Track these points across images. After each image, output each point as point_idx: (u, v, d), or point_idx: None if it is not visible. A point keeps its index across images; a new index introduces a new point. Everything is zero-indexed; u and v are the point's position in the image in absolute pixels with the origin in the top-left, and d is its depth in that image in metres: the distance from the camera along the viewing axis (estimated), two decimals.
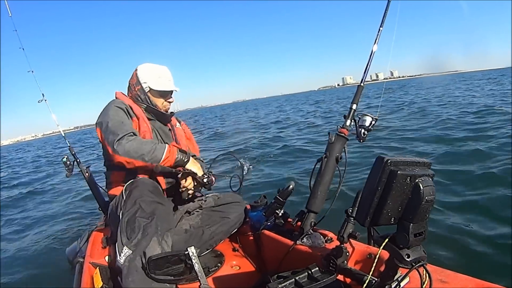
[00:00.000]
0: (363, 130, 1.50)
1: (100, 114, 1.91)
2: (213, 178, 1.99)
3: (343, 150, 1.45)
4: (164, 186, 1.97)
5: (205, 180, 1.91)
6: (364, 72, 1.64)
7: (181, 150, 1.91)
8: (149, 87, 2.06)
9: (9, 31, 3.01)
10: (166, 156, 1.80)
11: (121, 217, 1.62)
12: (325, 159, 1.41)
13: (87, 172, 2.67)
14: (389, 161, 0.98)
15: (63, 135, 3.09)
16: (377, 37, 1.64)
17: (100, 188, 2.58)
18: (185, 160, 1.88)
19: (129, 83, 2.11)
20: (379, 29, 1.65)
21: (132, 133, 1.80)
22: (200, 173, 1.92)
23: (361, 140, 1.52)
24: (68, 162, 2.66)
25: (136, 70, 2.09)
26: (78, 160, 2.74)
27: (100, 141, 1.90)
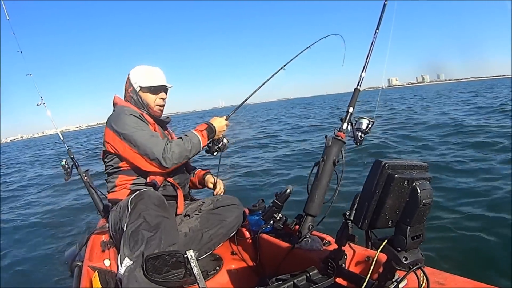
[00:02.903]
0: (360, 133, 1.51)
1: (118, 122, 1.88)
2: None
3: (341, 153, 1.45)
4: (177, 185, 2.00)
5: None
6: (360, 76, 1.65)
7: (206, 129, 2.01)
8: (139, 86, 2.05)
9: (7, 34, 3.01)
10: (202, 143, 1.96)
11: (125, 229, 1.61)
12: (322, 162, 1.41)
13: (85, 175, 2.66)
14: (386, 164, 0.99)
15: (61, 138, 3.08)
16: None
17: (99, 192, 2.58)
18: (213, 132, 2.04)
19: (124, 88, 2.11)
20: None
21: (168, 140, 1.86)
22: (222, 127, 2.11)
23: (358, 143, 1.52)
24: (66, 166, 2.65)
25: (129, 73, 2.09)
26: (76, 163, 2.74)
27: (113, 148, 1.91)
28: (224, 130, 2.12)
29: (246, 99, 2.39)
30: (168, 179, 1.97)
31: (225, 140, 2.20)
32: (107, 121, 1.97)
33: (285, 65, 2.41)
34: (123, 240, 1.59)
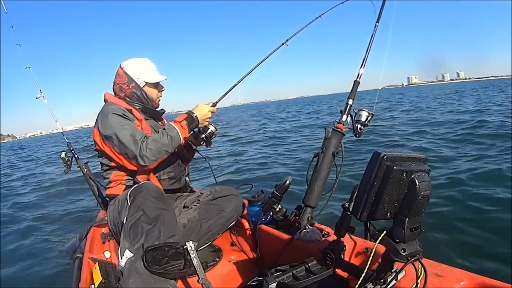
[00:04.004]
0: (359, 125, 1.51)
1: (102, 123, 1.86)
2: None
3: (340, 145, 1.45)
4: (166, 183, 2.01)
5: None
6: (360, 67, 1.64)
7: (186, 119, 1.93)
8: (144, 82, 2.03)
9: (5, 28, 3.00)
10: (182, 134, 1.88)
11: (125, 222, 1.62)
12: (322, 154, 1.41)
13: (85, 168, 2.67)
14: (385, 156, 0.99)
15: (61, 131, 3.09)
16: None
17: (99, 184, 2.58)
18: (195, 122, 1.96)
19: (118, 84, 2.04)
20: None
21: (144, 137, 1.80)
22: (206, 115, 2.01)
23: (358, 135, 1.52)
24: (66, 158, 2.66)
25: (122, 68, 2.03)
26: (76, 156, 2.74)
27: (100, 148, 1.90)
28: (208, 117, 2.03)
29: (241, 80, 2.21)
30: (152, 176, 1.96)
31: (212, 128, 2.12)
32: (95, 121, 1.94)
33: (287, 40, 2.26)
34: (123, 233, 1.60)
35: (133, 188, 1.72)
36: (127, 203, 1.66)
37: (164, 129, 1.88)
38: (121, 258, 1.54)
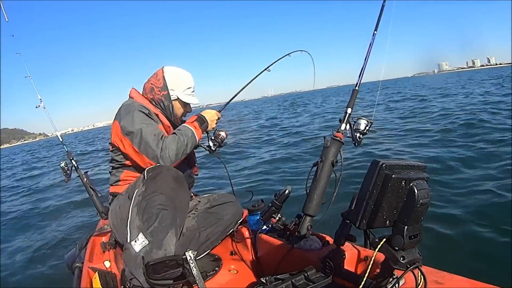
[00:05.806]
0: (358, 134, 1.51)
1: (125, 118, 1.84)
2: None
3: (339, 154, 1.46)
4: None
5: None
6: (359, 76, 1.65)
7: (196, 120, 1.99)
8: (176, 96, 2.04)
9: (6, 36, 3.03)
10: (197, 134, 1.93)
11: (140, 199, 1.58)
12: (321, 163, 1.42)
13: (85, 177, 2.67)
14: (384, 165, 1.00)
15: (61, 140, 3.09)
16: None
17: (99, 194, 2.58)
18: (205, 122, 2.01)
19: (152, 84, 2.04)
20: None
21: (164, 137, 1.80)
22: (213, 116, 2.10)
23: (357, 144, 1.53)
24: (66, 168, 2.66)
25: (163, 72, 2.03)
26: (76, 165, 2.74)
27: (116, 144, 1.89)
28: (215, 120, 2.10)
29: (233, 98, 2.50)
30: None
31: (223, 134, 2.26)
32: (116, 114, 1.93)
33: (269, 66, 2.52)
34: (136, 208, 1.57)
35: (151, 167, 1.69)
36: (144, 178, 1.63)
37: (179, 129, 1.90)
38: (134, 240, 1.50)
